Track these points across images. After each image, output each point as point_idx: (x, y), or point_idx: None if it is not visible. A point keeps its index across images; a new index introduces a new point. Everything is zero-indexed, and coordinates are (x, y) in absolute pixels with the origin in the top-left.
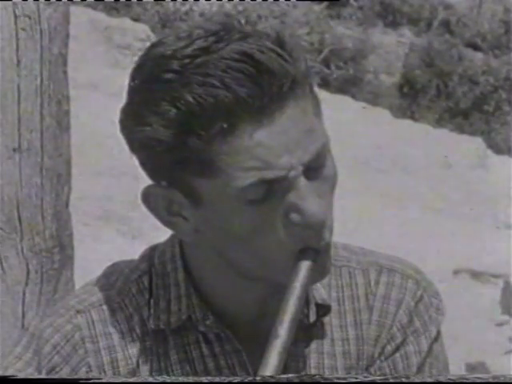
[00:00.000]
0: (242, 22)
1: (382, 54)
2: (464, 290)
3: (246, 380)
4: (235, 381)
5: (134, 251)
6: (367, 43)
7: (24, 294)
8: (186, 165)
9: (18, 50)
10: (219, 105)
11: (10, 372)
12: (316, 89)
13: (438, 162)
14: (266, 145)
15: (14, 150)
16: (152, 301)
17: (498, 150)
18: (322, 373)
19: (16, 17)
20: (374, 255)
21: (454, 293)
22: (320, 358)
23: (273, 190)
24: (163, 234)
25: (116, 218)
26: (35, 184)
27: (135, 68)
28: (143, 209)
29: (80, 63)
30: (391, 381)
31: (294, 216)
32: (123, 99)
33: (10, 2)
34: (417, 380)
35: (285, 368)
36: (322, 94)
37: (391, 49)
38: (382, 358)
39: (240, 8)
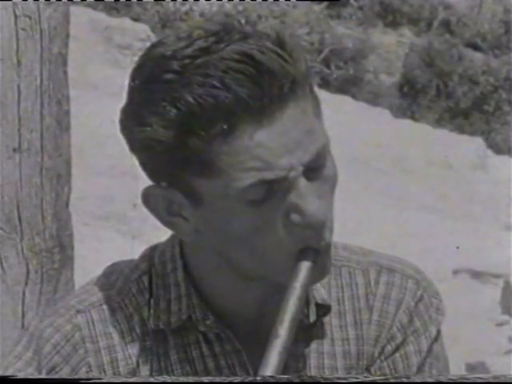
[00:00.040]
0: (242, 22)
1: (382, 53)
2: (464, 290)
3: (247, 380)
4: (236, 381)
5: (134, 251)
6: (367, 43)
7: (24, 294)
8: (186, 165)
9: (18, 50)
10: (219, 105)
11: (10, 372)
12: (316, 89)
13: (438, 162)
14: (266, 145)
15: (14, 150)
16: (152, 301)
17: (498, 150)
18: (322, 373)
19: (16, 17)
20: (374, 255)
21: (454, 293)
22: (320, 357)
23: (273, 190)
24: (163, 234)
25: (116, 218)
26: (35, 184)
27: (135, 68)
28: (143, 209)
29: (80, 63)
30: (392, 381)
31: (294, 216)
32: (123, 99)
33: (10, 2)
34: (417, 380)
35: (285, 368)
36: (322, 94)
37: (391, 49)
38: (382, 357)
39: (240, 8)
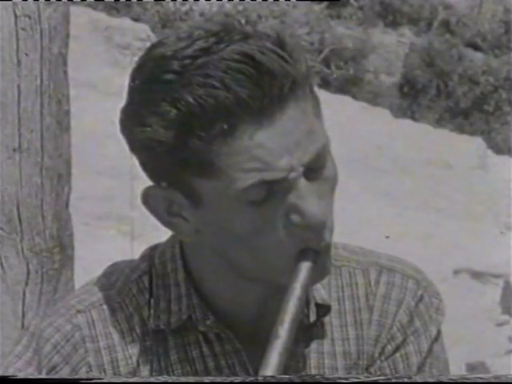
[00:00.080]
0: (242, 22)
1: (382, 53)
2: (464, 290)
3: (248, 380)
4: (237, 381)
5: (134, 251)
6: (367, 43)
7: (24, 294)
8: (186, 166)
9: (18, 50)
10: (219, 106)
11: (10, 371)
12: (316, 89)
13: (438, 161)
14: (266, 146)
15: (14, 149)
16: (152, 301)
17: (498, 150)
18: (323, 373)
19: (16, 17)
20: (375, 255)
21: (454, 293)
22: (320, 357)
23: (273, 190)
24: (163, 234)
25: (116, 218)
26: (35, 184)
27: (135, 68)
28: (143, 209)
29: (80, 63)
30: (393, 381)
31: (295, 217)
32: (123, 99)
33: (10, 2)
34: (418, 380)
35: (285, 368)
36: (322, 94)
37: (391, 49)
38: (382, 357)
39: (240, 8)
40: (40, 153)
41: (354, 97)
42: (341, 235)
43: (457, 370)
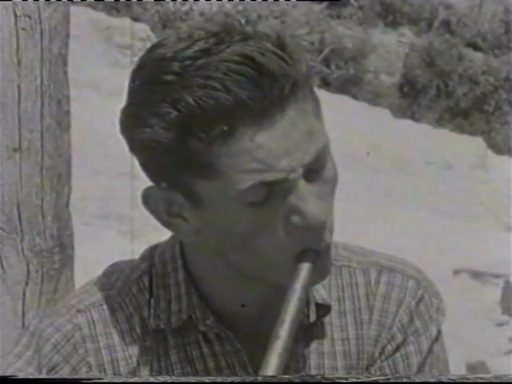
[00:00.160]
0: (242, 22)
1: (382, 53)
2: (464, 290)
3: (248, 380)
4: (237, 381)
5: (134, 251)
6: (367, 43)
7: (24, 293)
8: (186, 167)
9: (18, 49)
10: (220, 107)
11: (10, 371)
12: (316, 89)
13: (438, 162)
14: (267, 147)
15: (14, 149)
16: (152, 300)
17: (498, 150)
18: (323, 373)
19: (16, 17)
20: (375, 255)
21: (453, 293)
22: (320, 357)
23: (273, 192)
24: (163, 234)
25: (116, 218)
26: (35, 184)
27: (135, 69)
28: (143, 209)
29: (80, 63)
30: (393, 381)
31: (295, 218)
32: (123, 99)
33: (9, 2)
34: (418, 380)
35: (285, 368)
36: (322, 94)
37: (391, 49)
38: (383, 357)
39: (240, 8)
40: (40, 153)
41: (354, 97)
42: (341, 235)
43: (457, 370)
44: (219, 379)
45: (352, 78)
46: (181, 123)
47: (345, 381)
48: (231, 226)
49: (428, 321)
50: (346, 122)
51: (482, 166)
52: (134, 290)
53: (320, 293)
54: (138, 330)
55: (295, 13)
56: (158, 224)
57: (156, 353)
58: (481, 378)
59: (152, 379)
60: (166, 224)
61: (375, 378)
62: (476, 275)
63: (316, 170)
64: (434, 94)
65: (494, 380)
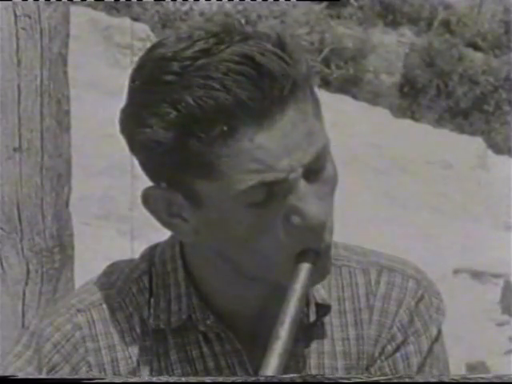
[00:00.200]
0: (242, 22)
1: (382, 53)
2: (464, 290)
3: (249, 380)
4: (238, 381)
5: (134, 251)
6: (367, 43)
7: (24, 293)
8: (186, 167)
9: (18, 49)
10: (220, 107)
11: (10, 370)
12: (316, 89)
13: (438, 161)
14: (267, 147)
15: (14, 149)
16: (152, 300)
17: (498, 150)
18: (323, 373)
19: (16, 17)
20: (375, 255)
21: (454, 293)
22: (320, 357)
23: (273, 192)
24: (163, 234)
25: (116, 218)
26: (35, 184)
27: (135, 69)
28: (143, 209)
29: (80, 63)
30: (394, 381)
31: (295, 218)
32: (123, 99)
33: (10, 1)
34: (420, 380)
35: (285, 368)
36: (322, 94)
37: (391, 48)
38: (383, 357)
39: (240, 8)
40: (40, 153)
41: (354, 97)
42: (341, 235)
43: (457, 370)
44: (220, 379)
45: (352, 78)
46: (181, 123)
47: (347, 381)
48: (231, 226)
49: (428, 321)
50: (346, 122)
51: (482, 166)
52: (133, 289)
53: (320, 293)
54: (138, 330)
55: (295, 13)
56: (157, 224)
57: (156, 353)
58: (482, 378)
59: (154, 379)
60: (166, 224)
61: (377, 378)
62: (476, 275)
63: (316, 170)
64: (434, 93)
65: (494, 380)
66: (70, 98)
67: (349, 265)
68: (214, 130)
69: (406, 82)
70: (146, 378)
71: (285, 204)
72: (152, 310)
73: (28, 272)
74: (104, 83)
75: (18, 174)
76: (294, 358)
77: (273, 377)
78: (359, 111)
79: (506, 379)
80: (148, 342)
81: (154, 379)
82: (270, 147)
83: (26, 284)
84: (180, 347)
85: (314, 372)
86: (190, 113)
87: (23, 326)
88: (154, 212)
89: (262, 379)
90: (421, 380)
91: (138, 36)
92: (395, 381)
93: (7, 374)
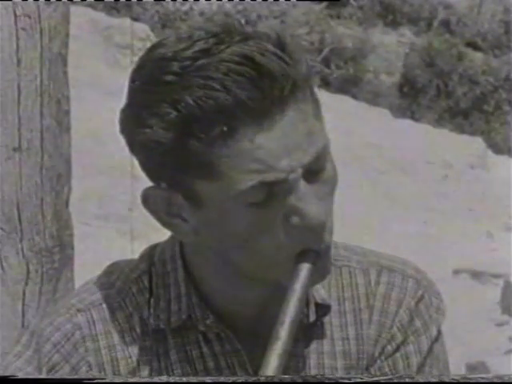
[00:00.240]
0: (242, 22)
1: (382, 53)
2: (464, 290)
3: (250, 380)
4: (238, 381)
5: (134, 251)
6: (367, 43)
7: (24, 293)
8: (186, 167)
9: (18, 49)
10: (220, 108)
11: (10, 370)
12: (316, 89)
13: (438, 162)
14: (267, 147)
15: (14, 149)
16: (152, 300)
17: (498, 150)
18: (322, 372)
19: (16, 16)
20: (375, 255)
21: (454, 293)
22: (320, 357)
23: (273, 192)
24: (163, 234)
25: (116, 218)
26: (35, 184)
27: (135, 69)
28: (143, 209)
29: (80, 63)
30: (395, 381)
31: (294, 218)
32: (123, 99)
33: (9, 1)
34: (420, 380)
35: (285, 368)
36: (322, 94)
37: (391, 48)
38: (383, 357)
39: (240, 8)
40: (40, 153)
41: (354, 97)
42: (341, 235)
43: (457, 370)
44: (220, 379)
45: (352, 78)
46: (181, 124)
47: (347, 381)
48: (231, 226)
49: (428, 321)
50: (345, 122)
51: (482, 166)
52: (133, 289)
53: (320, 293)
54: (138, 330)
55: (295, 13)
56: (157, 224)
57: (156, 353)
58: (482, 378)
59: (154, 379)
60: (166, 224)
61: (377, 379)
62: (476, 275)
63: (316, 170)
64: (433, 93)
65: (494, 380)
66: (69, 98)
67: (349, 265)
68: (214, 130)
69: (406, 82)
70: (145, 378)
71: (285, 204)
72: (152, 310)
73: (28, 272)
74: (104, 83)
75: (18, 174)
76: (294, 358)
77: (273, 377)
78: (359, 111)
79: (506, 379)
80: (148, 342)
81: (154, 379)
82: (270, 147)
83: (26, 284)
84: (180, 347)
85: (313, 372)
86: (190, 113)
87: (23, 326)
88: (153, 212)
89: (262, 379)
90: (421, 380)
91: (138, 36)
92: (395, 381)
93: (7, 373)
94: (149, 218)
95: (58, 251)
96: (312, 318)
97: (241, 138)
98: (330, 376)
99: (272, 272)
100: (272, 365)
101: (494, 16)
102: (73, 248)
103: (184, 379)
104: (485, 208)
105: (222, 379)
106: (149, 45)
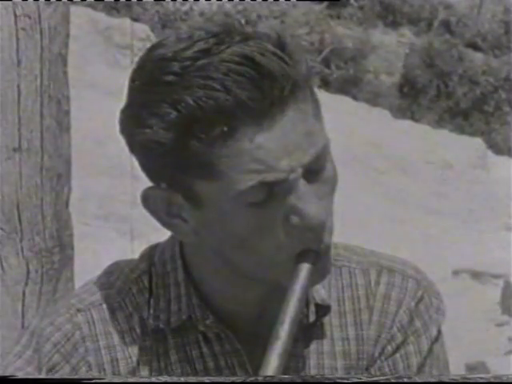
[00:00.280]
0: (242, 22)
1: (382, 53)
2: (464, 290)
3: (249, 380)
4: (238, 381)
5: (134, 251)
6: (367, 43)
7: (24, 294)
8: (186, 167)
9: (18, 49)
10: (220, 108)
11: (10, 370)
12: (316, 89)
13: (438, 161)
14: (267, 147)
15: (14, 149)
16: (152, 300)
17: (498, 150)
18: (322, 373)
19: (16, 17)
20: (375, 255)
21: (454, 293)
22: (320, 357)
23: (273, 192)
24: (163, 234)
25: (116, 218)
26: (35, 184)
27: (135, 69)
28: (143, 209)
29: (80, 63)
30: (393, 381)
31: (294, 218)
32: (123, 99)
33: (10, 1)
34: (419, 380)
35: (284, 368)
36: (322, 94)
37: (391, 49)
38: (383, 358)
39: (240, 8)
40: (40, 153)
41: (354, 97)
42: (341, 235)
43: (456, 370)
44: (220, 379)
45: (352, 79)
46: (181, 124)
47: (346, 381)
48: (231, 226)
49: (428, 321)
50: (346, 123)
51: (482, 166)
52: (133, 289)
53: (320, 293)
54: (138, 330)
55: (295, 13)
56: (157, 224)
57: (155, 353)
58: (481, 378)
59: (154, 379)
60: (166, 224)
61: (376, 379)
62: (476, 275)
63: (316, 170)
64: (433, 94)
65: (494, 380)
66: (69, 98)
67: (349, 265)
68: (214, 130)
69: (406, 83)
70: (145, 378)
71: (285, 204)
72: (152, 310)
73: (28, 272)
74: (104, 83)
75: (18, 174)
76: (294, 358)
77: (273, 377)
78: (359, 111)
79: (505, 379)
80: (148, 342)
81: (154, 379)
82: (269, 147)
83: (26, 284)
84: (180, 347)
85: (313, 372)
86: (190, 113)
87: (23, 326)
88: (153, 212)
89: (261, 379)
90: (420, 380)
91: (138, 36)
92: (395, 381)
93: (7, 373)
94: (149, 218)
95: (58, 251)
96: (312, 318)
97: (241, 138)
98: (330, 376)
99: (272, 272)
100: (272, 365)
101: (494, 16)
102: (73, 248)
103: (183, 379)
104: (485, 208)
105: (221, 379)
106: (149, 45)
